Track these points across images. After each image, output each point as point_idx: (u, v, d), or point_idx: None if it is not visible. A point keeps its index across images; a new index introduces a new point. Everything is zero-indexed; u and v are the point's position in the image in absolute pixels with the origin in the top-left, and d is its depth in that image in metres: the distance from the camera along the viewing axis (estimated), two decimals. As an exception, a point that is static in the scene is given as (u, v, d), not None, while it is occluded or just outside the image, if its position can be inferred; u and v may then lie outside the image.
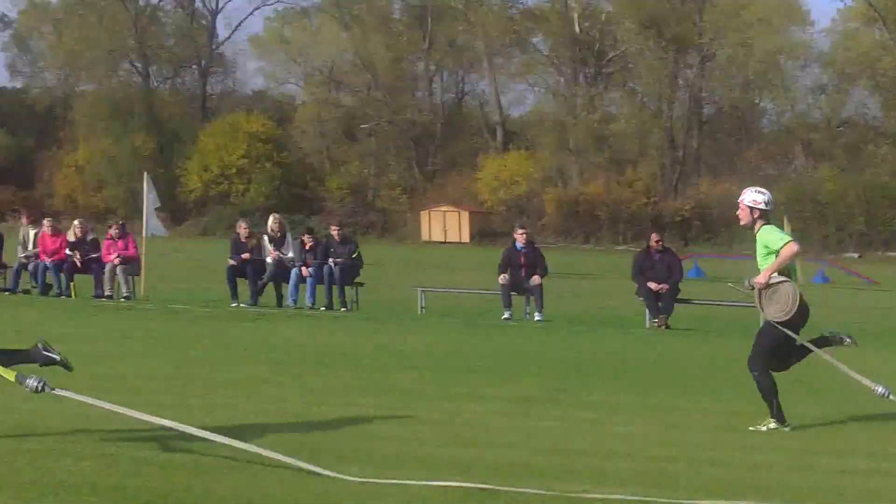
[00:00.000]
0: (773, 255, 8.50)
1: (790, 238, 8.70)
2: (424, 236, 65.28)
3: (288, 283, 18.91)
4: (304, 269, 18.71)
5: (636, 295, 18.59)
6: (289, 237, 19.44)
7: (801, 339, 8.58)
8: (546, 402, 9.48)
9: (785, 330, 8.47)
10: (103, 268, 19.34)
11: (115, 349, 12.29)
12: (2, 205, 67.54)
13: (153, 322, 15.73)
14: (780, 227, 9.90)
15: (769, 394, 8.56)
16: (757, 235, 8.70)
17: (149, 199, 20.41)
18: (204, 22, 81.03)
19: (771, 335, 8.59)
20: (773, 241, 8.56)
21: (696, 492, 6.06)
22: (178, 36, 79.67)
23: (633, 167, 66.91)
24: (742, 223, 8.81)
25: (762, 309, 8.68)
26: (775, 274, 8.48)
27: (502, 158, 68.75)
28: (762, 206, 8.63)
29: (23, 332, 12.07)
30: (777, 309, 8.50)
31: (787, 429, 8.48)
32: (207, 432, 6.53)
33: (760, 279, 8.54)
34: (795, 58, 68.81)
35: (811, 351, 8.70)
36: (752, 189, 8.89)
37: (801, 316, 8.51)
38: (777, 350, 8.62)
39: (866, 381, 8.65)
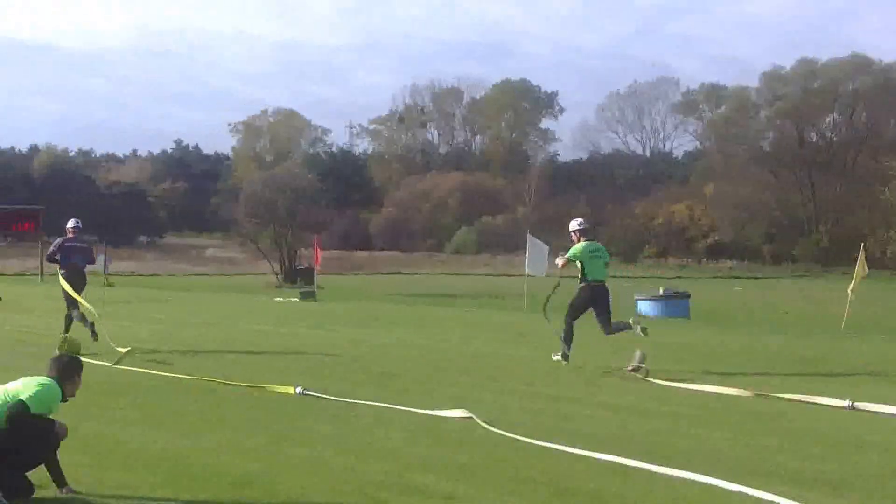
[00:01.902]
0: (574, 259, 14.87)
1: (572, 252, 14.91)
2: None
3: None
4: None
5: None
6: None
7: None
8: None
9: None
10: None
11: None
12: None
13: None
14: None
15: (568, 338, 14.86)
16: None
17: None
18: None
19: (576, 305, 14.94)
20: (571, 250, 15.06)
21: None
22: None
23: None
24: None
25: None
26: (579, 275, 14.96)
27: None
28: (577, 228, 15.18)
29: None
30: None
31: (565, 362, 14.79)
32: None
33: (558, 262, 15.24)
34: None
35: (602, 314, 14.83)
36: (573, 220, 15.59)
37: (593, 295, 14.83)
38: (579, 312, 14.94)
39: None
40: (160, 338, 19.11)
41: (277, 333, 19.72)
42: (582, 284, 15.02)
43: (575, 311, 14.97)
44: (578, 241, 15.02)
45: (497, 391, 12.28)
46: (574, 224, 15.25)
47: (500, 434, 9.29)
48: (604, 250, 15.26)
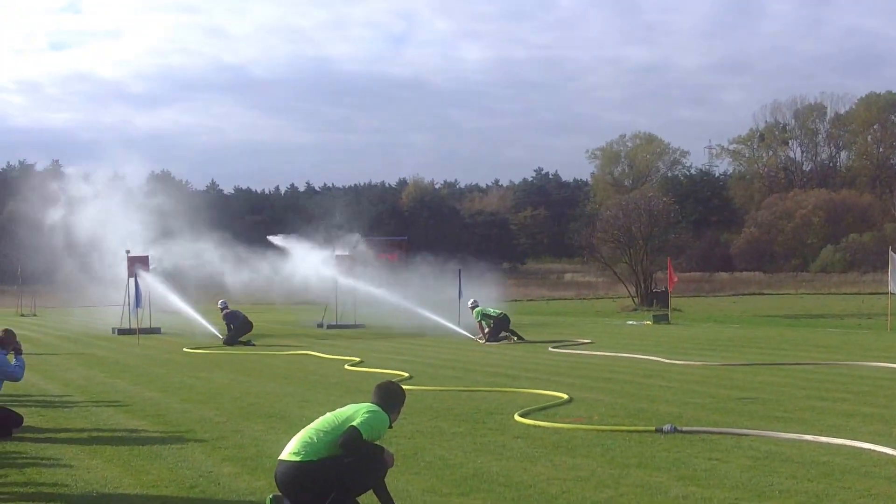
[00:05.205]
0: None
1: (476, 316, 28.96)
2: None
3: None
4: None
5: None
6: None
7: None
8: None
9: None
10: None
11: None
12: None
13: None
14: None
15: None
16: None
17: None
18: None
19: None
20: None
21: None
22: None
23: None
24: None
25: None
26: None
27: None
28: (470, 306, 29.69)
29: None
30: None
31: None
32: None
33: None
34: None
35: None
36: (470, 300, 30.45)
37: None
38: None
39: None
40: (510, 362, 19.88)
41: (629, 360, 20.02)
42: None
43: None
44: (472, 310, 29.11)
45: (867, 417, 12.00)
46: (469, 303, 29.83)
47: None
48: (489, 309, 28.95)
